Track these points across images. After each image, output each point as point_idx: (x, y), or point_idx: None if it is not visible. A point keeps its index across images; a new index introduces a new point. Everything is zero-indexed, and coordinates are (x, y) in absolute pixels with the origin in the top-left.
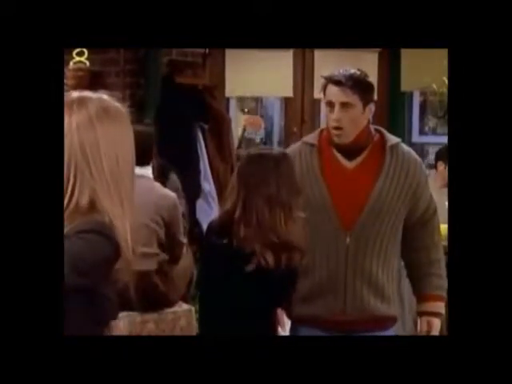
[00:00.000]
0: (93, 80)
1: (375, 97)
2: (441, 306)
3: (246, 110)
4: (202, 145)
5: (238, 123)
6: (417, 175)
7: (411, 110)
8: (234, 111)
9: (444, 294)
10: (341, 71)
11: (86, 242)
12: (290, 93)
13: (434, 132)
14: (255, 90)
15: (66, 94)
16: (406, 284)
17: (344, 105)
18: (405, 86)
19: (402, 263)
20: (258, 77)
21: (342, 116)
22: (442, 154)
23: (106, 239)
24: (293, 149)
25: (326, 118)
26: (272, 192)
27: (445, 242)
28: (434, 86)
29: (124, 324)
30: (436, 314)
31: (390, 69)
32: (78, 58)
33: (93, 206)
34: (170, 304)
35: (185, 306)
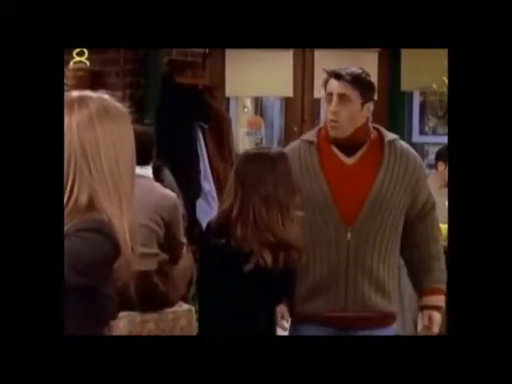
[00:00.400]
0: (93, 80)
1: (375, 97)
2: (441, 300)
3: (246, 109)
4: (202, 145)
5: (238, 123)
6: (416, 170)
7: (411, 110)
8: (234, 111)
9: (444, 287)
10: (343, 67)
11: (86, 240)
12: (290, 93)
13: (434, 132)
14: (255, 90)
15: (66, 93)
16: (406, 282)
17: (342, 97)
18: (405, 86)
19: (402, 261)
20: (257, 77)
21: (339, 109)
22: (442, 154)
23: (106, 237)
24: (292, 146)
25: (325, 112)
26: (269, 191)
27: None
28: (434, 86)
29: (124, 324)
30: (437, 308)
31: (390, 69)
32: (78, 58)
33: (92, 204)
34: (170, 304)
35: (185, 306)
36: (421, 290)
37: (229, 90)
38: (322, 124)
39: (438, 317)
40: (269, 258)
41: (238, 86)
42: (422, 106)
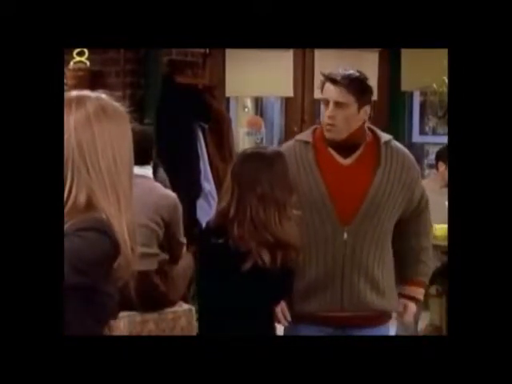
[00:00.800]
0: (93, 80)
1: (372, 99)
2: (421, 292)
3: (246, 109)
4: (202, 144)
5: (238, 123)
6: (411, 170)
7: (411, 109)
8: (234, 111)
9: (427, 280)
10: (340, 71)
11: (85, 239)
12: (290, 93)
13: (434, 132)
14: (255, 90)
15: (65, 93)
16: None
17: (338, 104)
18: (405, 86)
19: None
20: (257, 77)
21: (335, 114)
22: (442, 154)
23: (105, 236)
24: (287, 146)
25: (322, 114)
26: (265, 191)
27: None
28: (435, 86)
29: (124, 324)
30: (413, 299)
31: (390, 69)
32: (78, 58)
33: (90, 204)
34: (170, 304)
35: (185, 306)
36: (405, 279)
37: (229, 90)
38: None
39: (413, 307)
40: (267, 257)
41: (238, 86)
42: (422, 105)
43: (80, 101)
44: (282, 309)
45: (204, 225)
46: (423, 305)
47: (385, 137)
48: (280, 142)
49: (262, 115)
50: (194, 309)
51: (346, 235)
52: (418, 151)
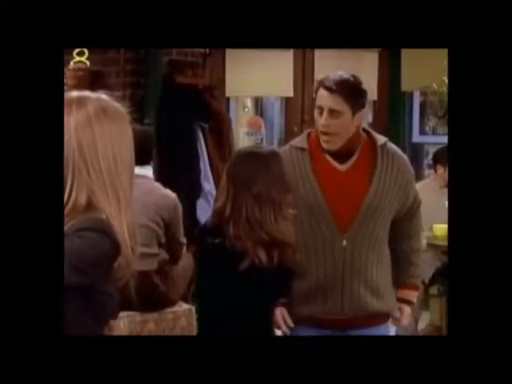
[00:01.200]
0: (93, 80)
1: (371, 100)
2: (414, 295)
3: (246, 109)
4: (202, 144)
5: (238, 123)
6: (406, 172)
7: (411, 109)
8: (234, 111)
9: (419, 282)
10: (334, 76)
11: (85, 239)
12: (290, 93)
13: (434, 132)
14: (255, 90)
15: (65, 93)
16: None
17: (332, 112)
18: (405, 86)
19: None
20: (257, 77)
21: (330, 122)
22: (440, 157)
23: (105, 236)
24: (283, 152)
25: (316, 120)
26: (261, 190)
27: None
28: (435, 86)
29: (124, 324)
30: (408, 302)
31: (390, 69)
32: (78, 58)
33: (91, 204)
34: (171, 304)
35: (185, 306)
36: (398, 282)
37: (229, 90)
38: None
39: (408, 311)
40: (263, 256)
41: (238, 86)
42: (422, 105)
43: (80, 101)
44: (282, 314)
45: (202, 225)
46: (423, 305)
47: (380, 139)
48: (280, 142)
49: (261, 115)
50: (193, 309)
51: (344, 242)
52: (418, 151)
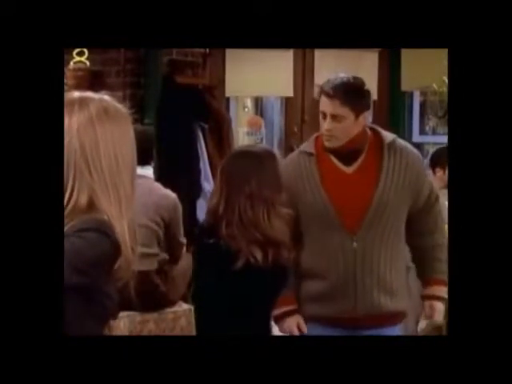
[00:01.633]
0: (93, 80)
1: (371, 103)
2: (444, 291)
3: (246, 109)
4: (201, 144)
5: (238, 123)
6: (415, 167)
7: (411, 109)
8: (234, 111)
9: (446, 278)
10: (334, 80)
11: (86, 240)
12: (290, 92)
13: (434, 132)
14: (255, 90)
15: (66, 93)
16: (411, 282)
17: (335, 117)
18: (405, 86)
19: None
20: (257, 77)
21: (333, 126)
22: (438, 158)
23: (106, 237)
24: (291, 158)
25: (320, 124)
26: (254, 189)
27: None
28: (435, 86)
29: (124, 324)
30: (439, 298)
31: (390, 69)
32: (78, 58)
33: (92, 205)
34: (170, 304)
35: (185, 306)
36: (424, 279)
37: (229, 90)
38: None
39: (439, 306)
40: (258, 256)
41: (238, 86)
42: (422, 105)
43: (82, 102)
44: (299, 324)
45: (198, 225)
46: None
47: (388, 137)
48: (280, 142)
49: (261, 115)
50: (193, 309)
51: (355, 244)
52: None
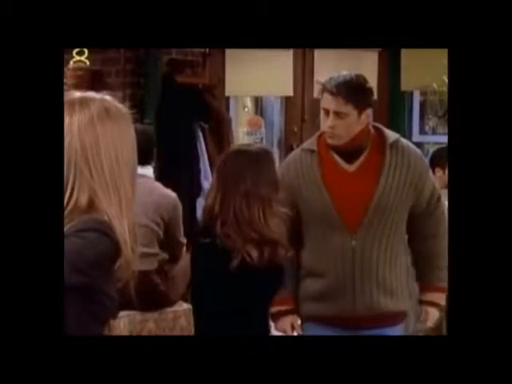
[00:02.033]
0: (93, 79)
1: (373, 100)
2: (441, 298)
3: (246, 109)
4: (202, 144)
5: (238, 123)
6: (418, 167)
7: (411, 109)
8: (234, 111)
9: (446, 285)
10: (336, 78)
11: (86, 239)
12: (289, 92)
13: (434, 131)
14: (255, 90)
15: (66, 93)
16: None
17: (338, 114)
18: (405, 86)
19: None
20: (257, 76)
21: (336, 124)
22: (437, 158)
23: (106, 237)
24: (293, 156)
25: (322, 121)
26: (249, 187)
27: None
28: (435, 86)
29: (124, 323)
30: (434, 304)
31: (390, 69)
32: (77, 58)
33: (92, 205)
34: (170, 303)
35: (185, 305)
36: (423, 284)
37: (229, 90)
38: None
39: (434, 313)
40: (254, 255)
41: (238, 86)
42: (422, 105)
43: (83, 102)
44: (293, 324)
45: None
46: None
47: (392, 137)
48: (280, 142)
49: (261, 115)
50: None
51: (354, 242)
52: None
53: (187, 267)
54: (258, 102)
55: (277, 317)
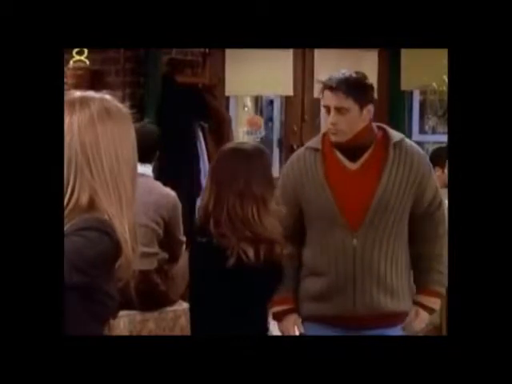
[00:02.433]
0: (92, 79)
1: (374, 97)
2: (434, 302)
3: (246, 108)
4: (202, 144)
5: (238, 122)
6: (420, 168)
7: (411, 109)
8: (234, 110)
9: (441, 289)
10: (336, 75)
11: (87, 239)
12: (289, 91)
13: (433, 131)
14: (255, 89)
15: (66, 93)
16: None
17: (339, 109)
18: (405, 85)
19: None
20: (257, 76)
21: (337, 120)
22: (436, 158)
23: (107, 236)
24: (297, 154)
25: (324, 119)
26: (242, 186)
27: None
28: (434, 85)
29: (124, 323)
30: (426, 308)
31: (390, 68)
32: (77, 57)
33: (92, 204)
34: (170, 303)
35: (185, 305)
36: (418, 286)
37: (229, 89)
38: (323, 125)
39: (424, 316)
40: (250, 253)
41: (238, 86)
42: (422, 105)
43: (84, 101)
44: (296, 324)
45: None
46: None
47: (396, 137)
48: (280, 141)
49: (261, 114)
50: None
51: (355, 241)
52: None
53: (187, 267)
54: (258, 102)
55: (280, 316)
